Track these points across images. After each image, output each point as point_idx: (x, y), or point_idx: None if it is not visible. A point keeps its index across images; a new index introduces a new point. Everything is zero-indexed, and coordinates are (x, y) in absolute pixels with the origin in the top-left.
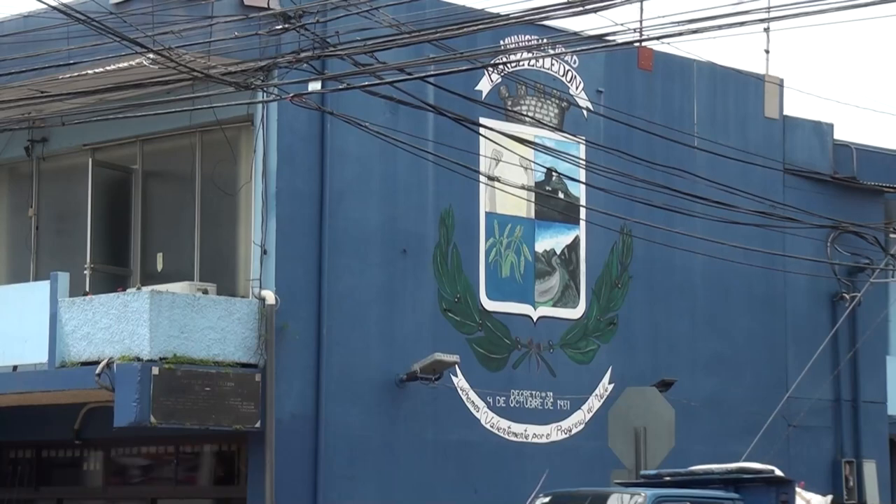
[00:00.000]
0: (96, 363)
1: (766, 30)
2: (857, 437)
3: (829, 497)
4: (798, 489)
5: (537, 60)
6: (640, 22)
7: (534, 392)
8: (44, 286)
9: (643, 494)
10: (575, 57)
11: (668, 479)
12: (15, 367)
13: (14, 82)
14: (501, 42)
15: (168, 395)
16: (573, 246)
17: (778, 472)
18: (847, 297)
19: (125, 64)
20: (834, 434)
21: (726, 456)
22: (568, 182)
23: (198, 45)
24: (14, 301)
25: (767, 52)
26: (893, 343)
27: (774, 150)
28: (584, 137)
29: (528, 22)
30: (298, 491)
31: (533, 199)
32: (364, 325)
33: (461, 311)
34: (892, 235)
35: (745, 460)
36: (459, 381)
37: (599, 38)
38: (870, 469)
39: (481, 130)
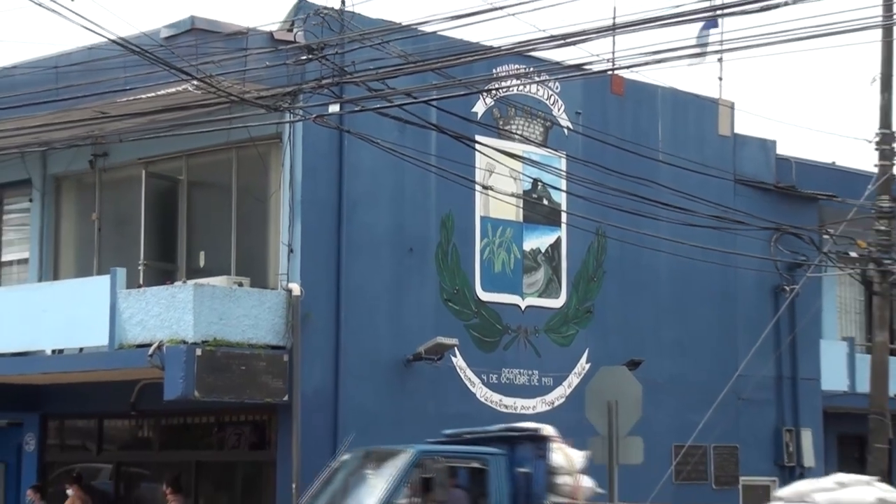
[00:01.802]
0: (149, 345)
1: (720, 60)
2: (796, 409)
3: (587, 452)
4: (562, 445)
5: (525, 86)
6: (613, 53)
7: (522, 370)
8: (105, 280)
9: (410, 450)
10: (557, 83)
11: (467, 436)
12: (81, 349)
13: (80, 105)
14: (494, 70)
15: (209, 373)
16: (555, 245)
17: (545, 431)
18: (787, 289)
19: (173, 89)
20: (776, 406)
21: (686, 425)
22: (551, 190)
23: (234, 74)
24: (80, 293)
25: (721, 79)
26: (826, 328)
27: (726, 164)
28: (564, 152)
29: (517, 53)
30: (320, 455)
31: (521, 205)
32: (376, 314)
33: (459, 301)
34: (824, 236)
35: (701, 429)
36: (458, 360)
37: (578, 67)
38: (807, 436)
39: (477, 146)
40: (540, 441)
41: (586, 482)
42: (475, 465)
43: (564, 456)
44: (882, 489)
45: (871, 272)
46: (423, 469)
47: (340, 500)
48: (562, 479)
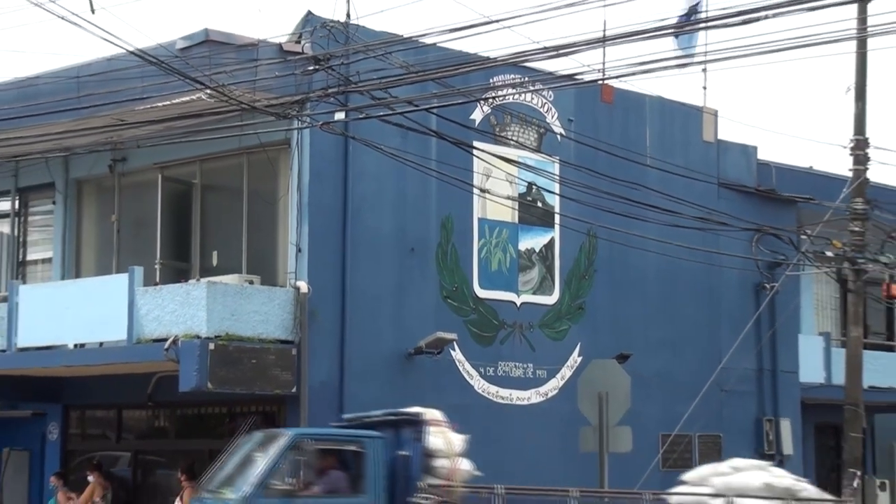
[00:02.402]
0: (165, 340)
1: (704, 70)
2: (776, 400)
3: (465, 436)
4: (444, 429)
5: (520, 95)
6: (603, 64)
7: (517, 363)
8: (123, 278)
9: (287, 433)
10: (550, 92)
11: (361, 420)
12: (101, 344)
13: (99, 113)
14: (491, 80)
15: (222, 366)
16: (549, 245)
17: (426, 415)
18: (768, 287)
19: (187, 98)
20: (757, 397)
21: (673, 415)
22: (545, 193)
23: (245, 83)
24: (100, 290)
25: (705, 88)
26: (804, 324)
27: (710, 168)
28: (558, 157)
29: (513, 64)
30: None
31: (516, 208)
32: (379, 310)
33: (458, 298)
34: (802, 237)
35: (686, 419)
36: (457, 354)
37: (570, 77)
38: (785, 425)
39: (474, 152)
40: (418, 425)
41: (464, 465)
42: (352, 447)
43: (444, 440)
44: (772, 474)
45: (846, 271)
46: (299, 451)
47: (226, 481)
48: (439, 462)
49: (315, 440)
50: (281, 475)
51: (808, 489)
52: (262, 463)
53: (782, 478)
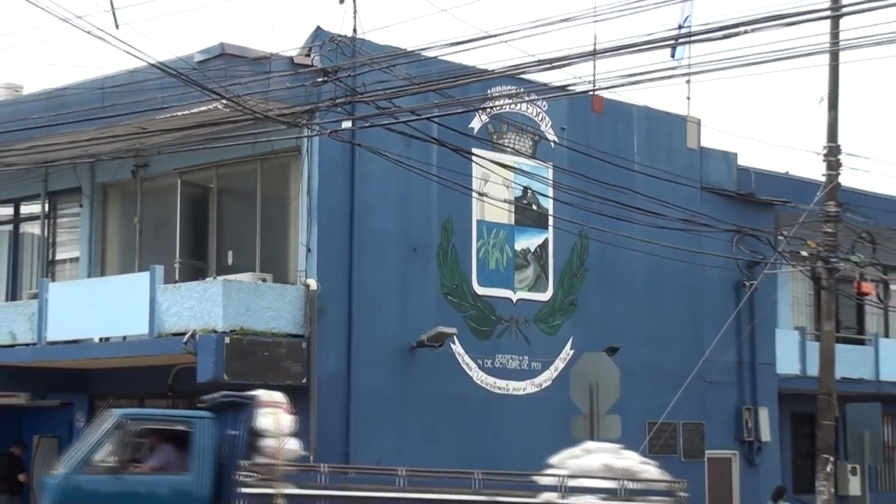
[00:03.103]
0: (183, 334)
1: (688, 82)
2: (755, 390)
3: (295, 418)
4: (277, 411)
5: (516, 105)
6: (594, 76)
7: (513, 356)
8: (145, 276)
9: (114, 413)
10: (544, 102)
11: (221, 400)
12: (124, 338)
13: (123, 122)
14: (489, 91)
15: (237, 359)
16: (543, 245)
17: (260, 398)
18: (747, 284)
19: (205, 108)
20: (737, 388)
21: (658, 404)
22: (539, 197)
23: (259, 94)
24: (123, 288)
25: (688, 98)
26: (781, 319)
27: (694, 173)
28: (551, 163)
29: (509, 76)
30: (335, 432)
31: (513, 210)
32: (384, 306)
33: (458, 295)
34: (779, 237)
35: (671, 408)
36: (457, 347)
37: (562, 88)
38: (763, 414)
39: (473, 158)
40: (248, 407)
41: (290, 445)
42: (180, 427)
43: (274, 421)
44: (616, 456)
45: (820, 269)
46: (124, 431)
47: (63, 460)
48: (266, 442)
49: (141, 420)
50: (105, 453)
51: (650, 471)
52: (87, 442)
53: (625, 459)
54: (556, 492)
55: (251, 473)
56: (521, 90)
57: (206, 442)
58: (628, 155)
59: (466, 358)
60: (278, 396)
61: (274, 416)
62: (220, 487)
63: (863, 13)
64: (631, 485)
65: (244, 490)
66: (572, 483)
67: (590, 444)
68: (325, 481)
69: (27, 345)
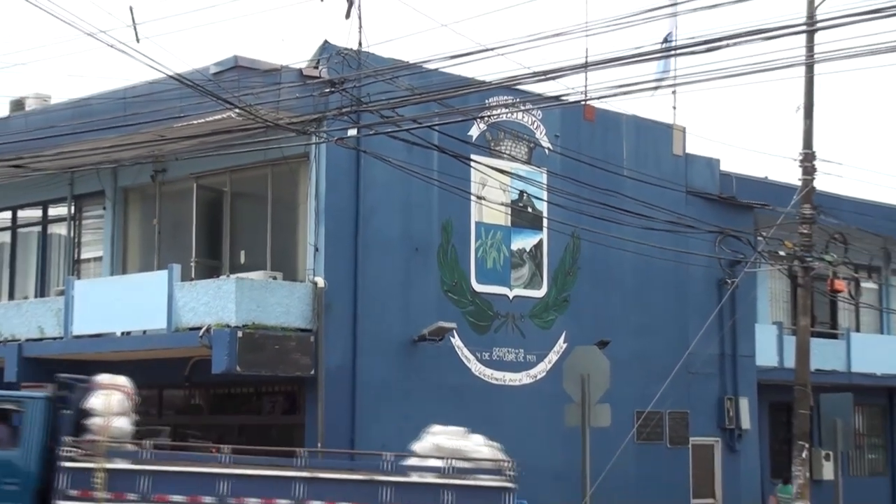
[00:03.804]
0: (199, 328)
1: (674, 92)
2: (735, 381)
3: (125, 399)
4: (113, 393)
5: (512, 114)
6: (585, 87)
7: (510, 349)
8: (163, 274)
9: None
10: (539, 111)
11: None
12: (144, 332)
13: (143, 129)
14: (486, 101)
15: (249, 351)
16: (538, 245)
17: (103, 380)
18: (729, 282)
19: (219, 116)
20: (719, 379)
21: (646, 394)
22: (534, 200)
23: (270, 103)
24: (143, 285)
25: (674, 108)
26: (760, 314)
27: (679, 178)
28: (545, 168)
29: (506, 87)
30: (341, 420)
31: (509, 213)
32: (387, 302)
33: (458, 292)
34: (759, 238)
35: (658, 398)
36: (456, 341)
37: (556, 98)
38: (744, 403)
39: (472, 164)
40: (81, 388)
41: (118, 423)
42: (11, 406)
43: (105, 401)
44: (449, 438)
45: (796, 268)
46: None
47: None
48: (93, 420)
49: None
50: None
51: (482, 451)
52: None
53: (458, 441)
54: (384, 472)
55: (74, 449)
56: (517, 100)
57: (37, 420)
58: (618, 161)
59: (465, 351)
60: (120, 380)
61: (106, 397)
62: (50, 463)
63: (836, 28)
64: (460, 463)
65: (65, 465)
66: (404, 462)
67: (435, 428)
68: (149, 457)
69: (55, 338)
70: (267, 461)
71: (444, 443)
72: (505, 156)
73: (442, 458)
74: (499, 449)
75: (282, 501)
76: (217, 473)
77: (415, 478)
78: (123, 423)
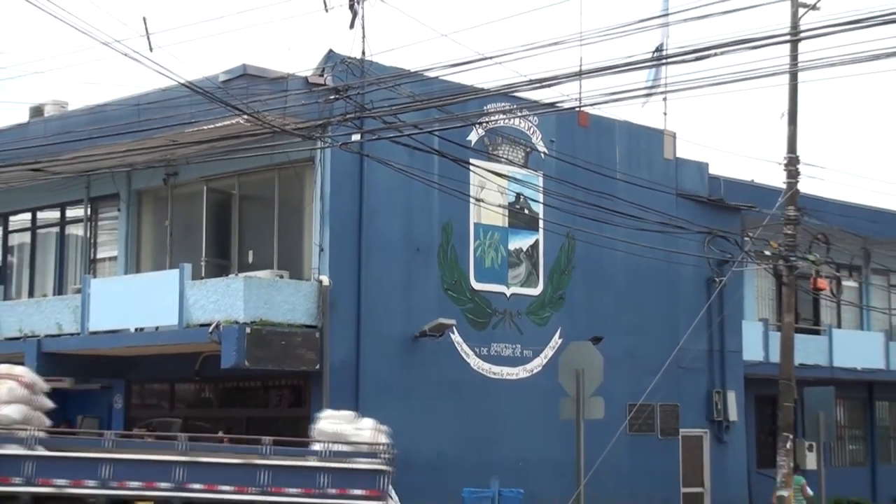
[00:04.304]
0: (209, 325)
1: (664, 99)
2: (723, 375)
3: (13, 387)
4: (5, 381)
5: (509, 120)
6: (580, 94)
7: (507, 345)
8: (175, 273)
9: None
10: (535, 117)
11: None
12: (157, 328)
13: (156, 134)
14: (485, 107)
15: (257, 347)
16: (534, 245)
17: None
18: (717, 280)
19: (228, 122)
20: (708, 373)
21: (638, 388)
22: (531, 202)
23: (277, 110)
24: (156, 283)
25: (665, 114)
26: (746, 311)
27: (669, 181)
28: (541, 172)
29: (503, 94)
30: None
31: (506, 214)
32: (389, 300)
33: (457, 290)
34: (746, 239)
35: (649, 392)
36: (456, 337)
37: (552, 104)
38: (731, 396)
39: (471, 167)
40: None
41: (5, 410)
42: None
43: None
44: (331, 422)
45: (781, 267)
46: None
47: None
48: None
49: None
50: None
51: (361, 435)
52: None
53: (339, 424)
54: (262, 455)
55: None
56: (514, 107)
57: None
58: (611, 164)
59: (465, 346)
60: (17, 370)
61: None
62: None
63: (818, 38)
64: (338, 447)
65: None
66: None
67: (325, 412)
68: (34, 443)
69: (72, 335)
70: (146, 445)
71: (326, 427)
72: (502, 160)
73: (321, 441)
74: (385, 433)
75: (163, 485)
76: (100, 458)
77: (291, 461)
78: (12, 411)
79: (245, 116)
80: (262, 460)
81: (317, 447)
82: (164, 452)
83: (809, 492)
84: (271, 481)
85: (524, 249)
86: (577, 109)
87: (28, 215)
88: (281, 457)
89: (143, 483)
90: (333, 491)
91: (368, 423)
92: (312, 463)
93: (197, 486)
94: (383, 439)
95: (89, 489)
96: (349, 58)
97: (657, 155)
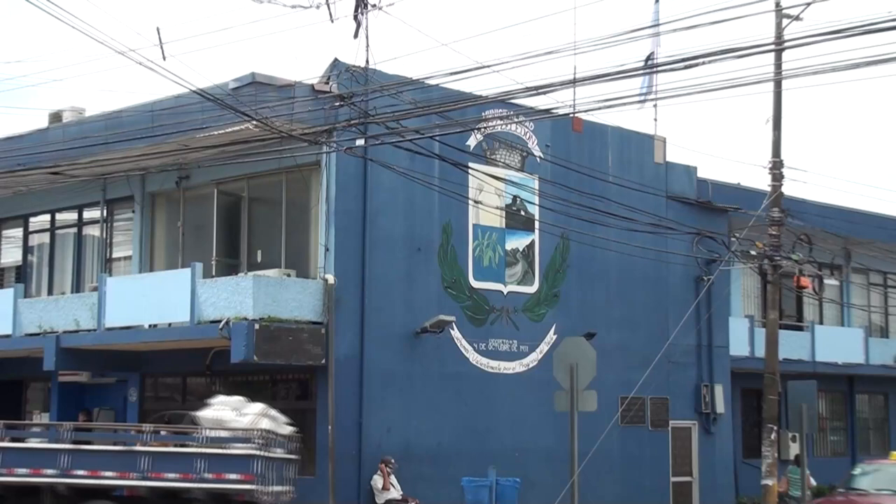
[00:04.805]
0: (219, 321)
1: (655, 105)
2: (711, 369)
3: None
4: None
5: (506, 125)
6: (574, 101)
7: (504, 340)
8: (187, 272)
9: None
10: (531, 123)
11: None
12: (170, 324)
13: (168, 140)
14: (483, 114)
15: (265, 342)
16: (530, 245)
17: None
18: (705, 279)
19: (238, 128)
20: (697, 367)
21: (629, 381)
22: (527, 204)
23: (284, 116)
24: (168, 282)
25: (656, 120)
26: (733, 308)
27: (660, 184)
28: (537, 175)
29: (500, 101)
30: (350, 405)
31: (504, 215)
32: (392, 297)
33: (456, 288)
34: (732, 239)
35: (639, 387)
36: (455, 333)
37: (547, 111)
38: (719, 390)
39: (469, 171)
40: None
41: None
42: None
43: None
44: (215, 409)
45: (766, 266)
46: None
47: None
48: None
49: None
50: None
51: (240, 422)
52: None
53: (221, 411)
54: (143, 442)
55: None
56: (511, 113)
57: None
58: (603, 168)
59: (464, 342)
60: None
61: None
62: None
63: (801, 47)
64: (217, 433)
65: None
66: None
67: (216, 399)
68: None
69: (89, 331)
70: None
71: (208, 414)
72: (500, 163)
73: (201, 428)
74: (272, 419)
75: (48, 471)
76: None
77: (169, 447)
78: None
79: (254, 122)
80: (143, 447)
81: (199, 434)
82: (49, 441)
83: (813, 482)
84: (151, 467)
85: (520, 249)
86: (572, 115)
87: (47, 217)
88: (160, 444)
89: (30, 470)
90: (210, 475)
91: (255, 408)
92: (189, 449)
93: (81, 471)
94: (264, 425)
95: None
96: (353, 66)
97: (648, 159)
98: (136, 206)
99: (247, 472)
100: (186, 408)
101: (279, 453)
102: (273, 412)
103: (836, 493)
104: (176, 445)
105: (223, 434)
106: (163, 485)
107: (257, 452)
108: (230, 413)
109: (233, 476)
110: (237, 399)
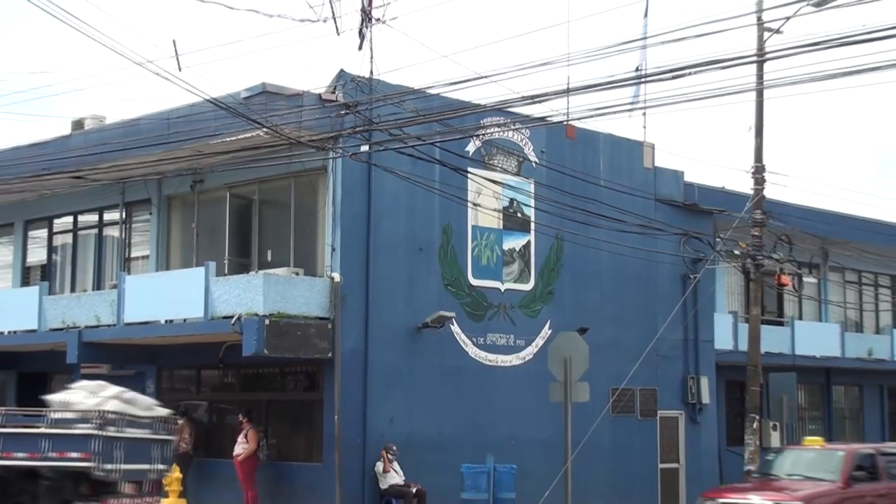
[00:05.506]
0: (231, 317)
1: (644, 114)
2: (697, 363)
3: None
4: None
5: (504, 132)
6: (567, 109)
7: (501, 335)
8: (201, 271)
9: None
10: (527, 130)
11: None
12: (185, 320)
13: (184, 146)
14: (481, 121)
15: (275, 337)
16: (526, 245)
17: None
18: (692, 277)
19: (249, 135)
20: (683, 360)
21: (620, 374)
22: (523, 207)
23: (293, 123)
24: (184, 280)
25: (645, 127)
26: (718, 305)
27: (649, 188)
28: (533, 179)
29: (498, 109)
30: (354, 396)
31: (501, 217)
32: (395, 294)
33: (456, 286)
34: (717, 239)
35: (629, 379)
36: (455, 328)
37: (542, 119)
38: (704, 382)
39: (469, 175)
40: None
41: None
42: None
43: None
44: (68, 393)
45: (749, 265)
46: None
47: None
48: None
49: None
50: None
51: (85, 403)
52: None
53: (69, 394)
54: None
55: None
56: (508, 120)
57: None
58: (595, 173)
59: (463, 336)
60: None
61: None
62: None
63: (782, 59)
64: (63, 415)
65: None
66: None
67: (76, 383)
68: None
69: (109, 326)
70: None
71: (56, 397)
72: (497, 168)
73: (49, 410)
74: (124, 401)
75: None
76: None
77: (17, 429)
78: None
79: (264, 129)
80: None
81: (51, 416)
82: None
83: None
84: (3, 447)
85: (517, 249)
86: (565, 123)
87: (70, 218)
88: (10, 426)
89: None
90: (54, 454)
91: (109, 392)
92: (34, 430)
93: None
94: (110, 406)
95: None
96: (358, 77)
97: (637, 164)
98: (154, 208)
99: (86, 451)
100: (200, 399)
101: (134, 433)
102: (130, 395)
103: (749, 478)
104: (26, 427)
105: (69, 416)
106: (14, 463)
107: (96, 432)
108: (81, 395)
109: (73, 455)
110: (96, 383)
